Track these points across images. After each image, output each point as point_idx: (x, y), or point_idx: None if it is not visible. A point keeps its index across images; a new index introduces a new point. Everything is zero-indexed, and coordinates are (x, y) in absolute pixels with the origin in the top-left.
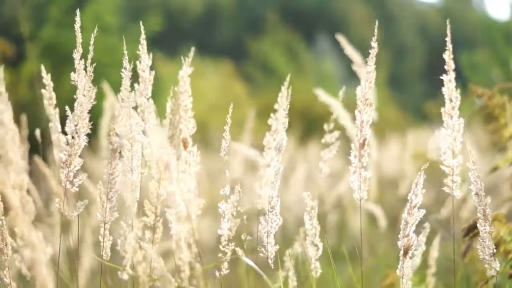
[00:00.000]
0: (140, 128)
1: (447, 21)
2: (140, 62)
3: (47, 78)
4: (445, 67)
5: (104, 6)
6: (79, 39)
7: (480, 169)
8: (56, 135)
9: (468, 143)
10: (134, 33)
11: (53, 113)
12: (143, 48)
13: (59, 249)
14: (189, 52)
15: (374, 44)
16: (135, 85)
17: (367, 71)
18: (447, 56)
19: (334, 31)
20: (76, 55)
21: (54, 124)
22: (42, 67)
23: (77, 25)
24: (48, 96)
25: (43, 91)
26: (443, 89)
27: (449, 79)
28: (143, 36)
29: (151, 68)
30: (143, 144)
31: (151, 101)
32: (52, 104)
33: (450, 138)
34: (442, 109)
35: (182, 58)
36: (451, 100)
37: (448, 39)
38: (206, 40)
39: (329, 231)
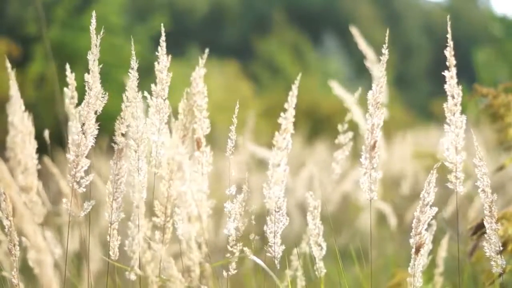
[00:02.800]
0: (155, 129)
1: (448, 17)
2: (158, 63)
3: (71, 77)
4: (447, 63)
5: (109, 6)
6: (93, 41)
7: (486, 166)
8: (75, 135)
9: (475, 140)
10: (139, 33)
11: (73, 113)
12: (162, 49)
13: (66, 249)
14: (196, 52)
15: (385, 50)
16: (152, 85)
17: (378, 76)
18: (448, 52)
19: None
20: (91, 56)
21: (74, 124)
22: (68, 67)
23: (92, 27)
24: (71, 95)
25: (65, 90)
26: (445, 86)
27: (450, 75)
28: (163, 37)
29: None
30: (157, 144)
31: (167, 102)
32: (74, 103)
33: (453, 134)
34: (445, 106)
35: (192, 59)
36: (453, 97)
37: (449, 35)
38: (212, 40)
39: (336, 230)
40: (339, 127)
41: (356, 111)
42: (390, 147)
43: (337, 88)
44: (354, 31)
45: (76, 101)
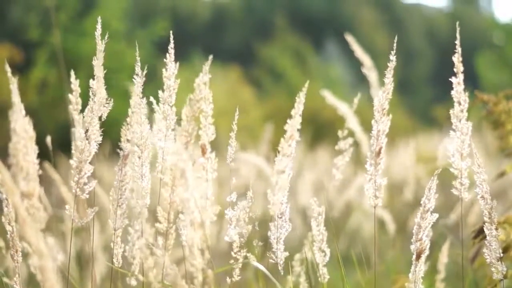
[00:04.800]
0: (161, 135)
1: (457, 23)
2: (166, 69)
3: (75, 83)
4: (454, 69)
5: (111, 12)
6: (99, 46)
7: (488, 173)
8: (79, 141)
9: (475, 147)
10: (141, 38)
11: (77, 119)
12: (170, 56)
13: (69, 256)
14: (199, 58)
15: (392, 57)
16: (159, 92)
17: (385, 82)
18: (456, 58)
19: (343, 36)
20: (96, 62)
21: (78, 130)
22: (72, 73)
23: (98, 32)
24: (75, 102)
25: (70, 96)
26: (452, 92)
27: (457, 82)
28: (171, 44)
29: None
30: (164, 150)
31: (174, 108)
32: (77, 110)
33: (459, 140)
34: (451, 112)
35: (194, 64)
36: (459, 103)
37: (457, 41)
38: (214, 45)
39: (338, 236)
40: (339, 133)
41: (352, 119)
42: (392, 152)
43: (330, 97)
44: (350, 38)
45: (80, 107)
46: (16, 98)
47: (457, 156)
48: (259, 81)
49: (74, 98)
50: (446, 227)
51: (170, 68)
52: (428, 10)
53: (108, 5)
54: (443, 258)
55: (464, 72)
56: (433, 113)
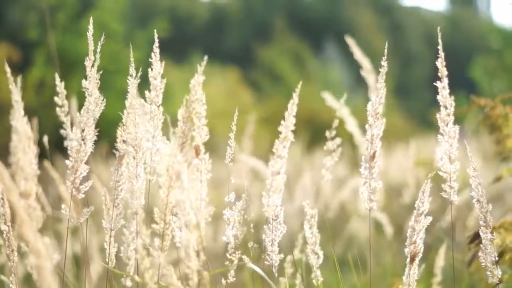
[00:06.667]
0: (149, 135)
1: (438, 28)
2: (151, 69)
3: (60, 85)
4: (439, 74)
5: (109, 13)
6: (91, 46)
7: (484, 177)
8: (67, 142)
9: (469, 150)
10: (140, 39)
11: (65, 120)
12: (155, 55)
13: (65, 255)
14: (198, 59)
15: (384, 62)
16: (146, 92)
17: (378, 87)
18: (440, 63)
19: (342, 39)
20: (88, 62)
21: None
22: (56, 75)
23: (90, 33)
24: (61, 104)
25: (55, 98)
26: (438, 96)
27: (442, 86)
28: (156, 43)
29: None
30: (152, 151)
31: (161, 108)
32: (65, 112)
33: (446, 144)
34: (438, 116)
35: (193, 65)
36: (445, 107)
37: (440, 46)
38: (213, 47)
39: (334, 238)
40: (327, 133)
41: (350, 121)
42: (389, 155)
43: (330, 99)
44: (350, 41)
45: (67, 109)
46: (17, 97)
47: (445, 159)
48: (258, 83)
49: (61, 101)
50: (442, 230)
51: (156, 68)
52: (427, 14)
53: (107, 5)
54: (440, 261)
55: (464, 75)
56: (431, 116)
